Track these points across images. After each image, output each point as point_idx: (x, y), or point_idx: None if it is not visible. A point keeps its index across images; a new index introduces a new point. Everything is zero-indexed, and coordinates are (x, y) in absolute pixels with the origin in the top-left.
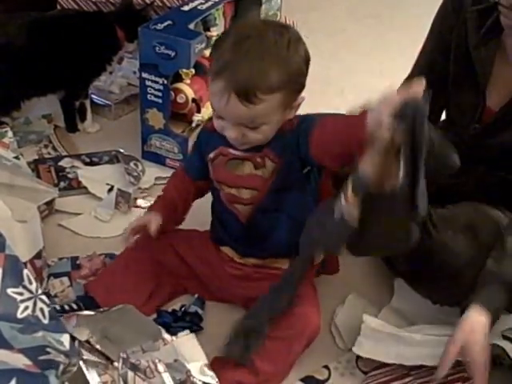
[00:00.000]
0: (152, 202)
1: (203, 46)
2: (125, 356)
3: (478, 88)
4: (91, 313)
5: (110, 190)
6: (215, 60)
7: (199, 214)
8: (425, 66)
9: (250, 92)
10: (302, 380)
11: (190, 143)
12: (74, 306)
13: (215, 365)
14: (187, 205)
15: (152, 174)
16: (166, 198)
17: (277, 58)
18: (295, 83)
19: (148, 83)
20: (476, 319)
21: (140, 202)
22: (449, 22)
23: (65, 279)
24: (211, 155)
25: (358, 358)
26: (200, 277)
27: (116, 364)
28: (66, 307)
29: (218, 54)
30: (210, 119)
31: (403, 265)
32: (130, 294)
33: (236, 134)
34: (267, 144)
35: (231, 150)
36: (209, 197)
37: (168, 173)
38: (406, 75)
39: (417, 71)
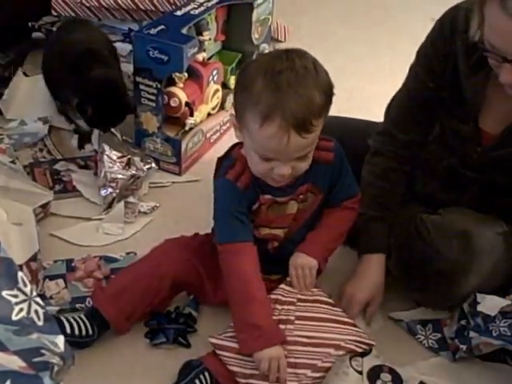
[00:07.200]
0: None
1: (196, 50)
2: None
3: (469, 115)
4: None
5: (112, 201)
6: (255, 104)
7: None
8: (413, 89)
9: (307, 122)
10: None
11: (183, 146)
12: (86, 322)
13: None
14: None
15: (146, 177)
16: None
17: (314, 81)
18: (330, 97)
19: (142, 87)
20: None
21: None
22: (439, 49)
23: (60, 281)
24: (253, 208)
25: (352, 357)
26: (213, 287)
27: None
28: (75, 325)
29: (254, 97)
30: (237, 178)
31: (396, 269)
32: (134, 307)
33: (288, 170)
34: (306, 178)
35: (270, 197)
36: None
37: (162, 176)
38: (396, 79)
39: (405, 93)
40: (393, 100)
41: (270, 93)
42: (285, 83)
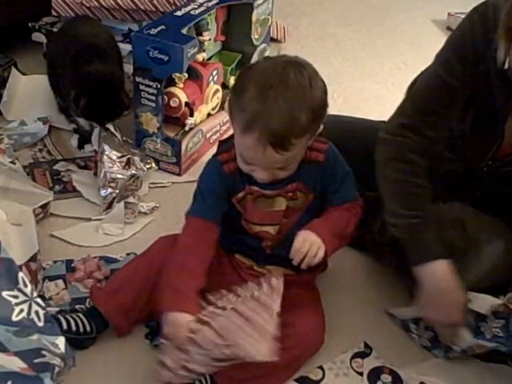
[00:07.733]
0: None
1: (196, 50)
2: None
3: (496, 126)
4: None
5: (111, 201)
6: (241, 111)
7: None
8: (439, 77)
9: (285, 141)
10: (296, 380)
11: (183, 146)
12: (83, 319)
13: None
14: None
15: (146, 177)
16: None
17: (303, 99)
18: (321, 116)
19: (142, 87)
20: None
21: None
22: (478, 43)
23: (60, 282)
24: (239, 195)
25: (352, 358)
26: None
27: None
28: (72, 323)
29: (242, 104)
30: (226, 162)
31: (390, 257)
32: (132, 302)
33: (267, 176)
34: (296, 177)
35: (257, 188)
36: None
37: (162, 177)
38: (395, 79)
39: (433, 82)
40: (412, 91)
41: (256, 104)
42: (272, 98)
